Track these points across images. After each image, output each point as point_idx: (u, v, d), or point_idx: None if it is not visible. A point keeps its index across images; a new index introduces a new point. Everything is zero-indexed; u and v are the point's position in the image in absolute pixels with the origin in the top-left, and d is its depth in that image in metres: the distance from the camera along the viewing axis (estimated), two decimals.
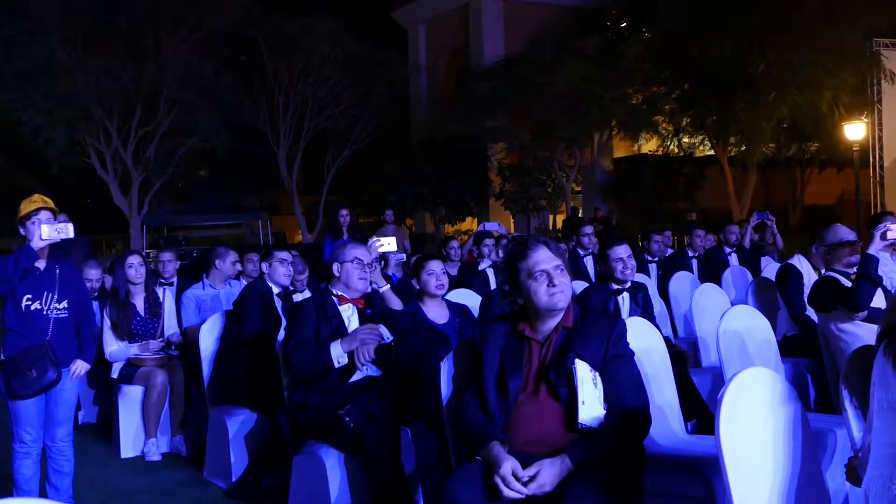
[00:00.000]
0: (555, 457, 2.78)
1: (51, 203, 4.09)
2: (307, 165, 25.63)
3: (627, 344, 3.06)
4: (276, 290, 5.38)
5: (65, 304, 4.14)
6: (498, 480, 2.74)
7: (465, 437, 3.03)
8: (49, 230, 3.88)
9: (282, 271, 5.39)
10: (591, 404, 2.86)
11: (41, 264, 4.07)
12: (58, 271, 4.13)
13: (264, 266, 5.47)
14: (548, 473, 2.74)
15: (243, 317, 5.14)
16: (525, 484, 2.73)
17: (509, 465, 2.77)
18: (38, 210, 3.99)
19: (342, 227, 8.06)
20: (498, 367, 3.01)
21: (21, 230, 4.01)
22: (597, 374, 2.91)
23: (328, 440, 3.91)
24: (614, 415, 2.88)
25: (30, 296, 4.03)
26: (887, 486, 2.19)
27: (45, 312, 4.06)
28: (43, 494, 4.20)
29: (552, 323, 3.02)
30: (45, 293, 4.07)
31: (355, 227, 8.43)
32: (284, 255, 5.49)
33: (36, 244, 3.91)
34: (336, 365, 3.87)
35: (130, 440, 5.59)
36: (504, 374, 2.99)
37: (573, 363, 2.89)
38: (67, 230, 3.91)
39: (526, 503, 2.75)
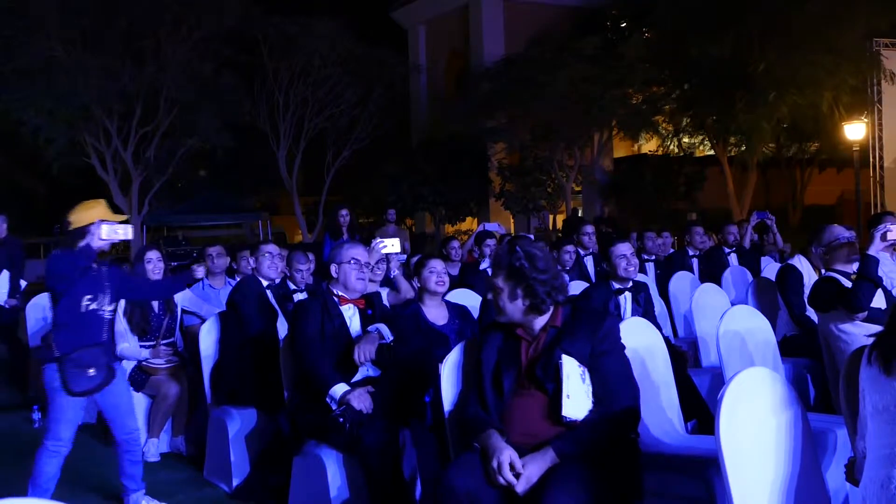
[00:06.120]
0: (538, 451, 2.86)
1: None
2: (307, 165, 25.57)
3: (618, 339, 3.13)
4: (265, 282, 5.39)
5: (114, 305, 4.23)
6: (495, 465, 2.82)
7: (465, 429, 3.11)
8: (108, 230, 3.93)
9: (267, 264, 5.42)
10: (576, 398, 2.93)
11: (94, 264, 4.10)
12: (105, 272, 4.18)
13: (251, 261, 5.61)
14: (533, 467, 2.83)
15: (245, 319, 5.12)
16: (516, 476, 2.80)
17: (508, 452, 2.85)
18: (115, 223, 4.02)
19: (342, 227, 8.06)
20: (494, 365, 3.12)
21: (93, 227, 3.97)
22: (585, 369, 2.99)
23: (327, 440, 3.91)
24: (600, 407, 2.95)
25: (90, 296, 4.07)
26: (885, 486, 2.19)
27: (99, 313, 4.10)
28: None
29: (540, 322, 3.11)
30: (100, 294, 4.12)
31: (355, 227, 8.44)
32: (271, 248, 5.54)
33: (96, 244, 3.94)
34: (328, 400, 3.88)
35: None
36: (499, 372, 3.09)
37: (560, 358, 2.97)
38: (128, 231, 3.96)
39: (514, 497, 2.81)
